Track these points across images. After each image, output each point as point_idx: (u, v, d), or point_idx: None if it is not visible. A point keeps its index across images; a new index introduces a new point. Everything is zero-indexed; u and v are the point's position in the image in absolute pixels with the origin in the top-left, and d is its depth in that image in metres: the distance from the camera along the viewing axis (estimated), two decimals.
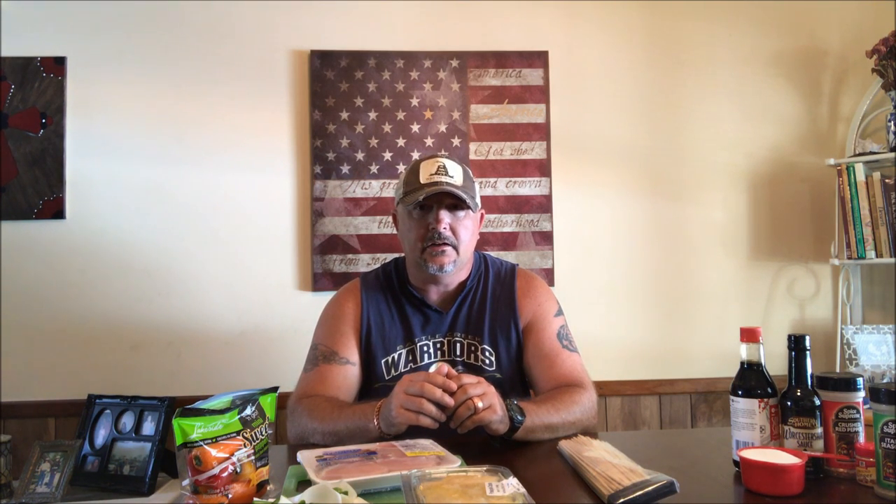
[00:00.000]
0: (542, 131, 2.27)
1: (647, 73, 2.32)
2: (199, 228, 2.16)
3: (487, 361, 1.44)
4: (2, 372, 2.06)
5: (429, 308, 1.47)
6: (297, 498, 0.85)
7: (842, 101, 2.36)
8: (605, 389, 2.19)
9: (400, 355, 1.44)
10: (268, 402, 1.03)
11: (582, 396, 1.35)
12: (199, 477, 0.88)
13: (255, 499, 0.91)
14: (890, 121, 2.10)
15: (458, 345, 1.45)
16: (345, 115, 2.21)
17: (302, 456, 1.06)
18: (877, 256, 2.07)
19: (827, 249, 2.26)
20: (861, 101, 2.26)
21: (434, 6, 2.26)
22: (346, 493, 0.87)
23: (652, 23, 2.33)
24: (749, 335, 1.06)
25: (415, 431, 1.17)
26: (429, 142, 2.24)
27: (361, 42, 2.23)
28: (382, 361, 1.44)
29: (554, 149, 2.27)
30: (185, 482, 0.91)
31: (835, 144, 2.35)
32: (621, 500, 0.87)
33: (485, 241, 2.21)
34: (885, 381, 2.02)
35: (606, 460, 1.01)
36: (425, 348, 1.45)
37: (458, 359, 1.44)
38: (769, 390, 1.04)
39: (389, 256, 2.13)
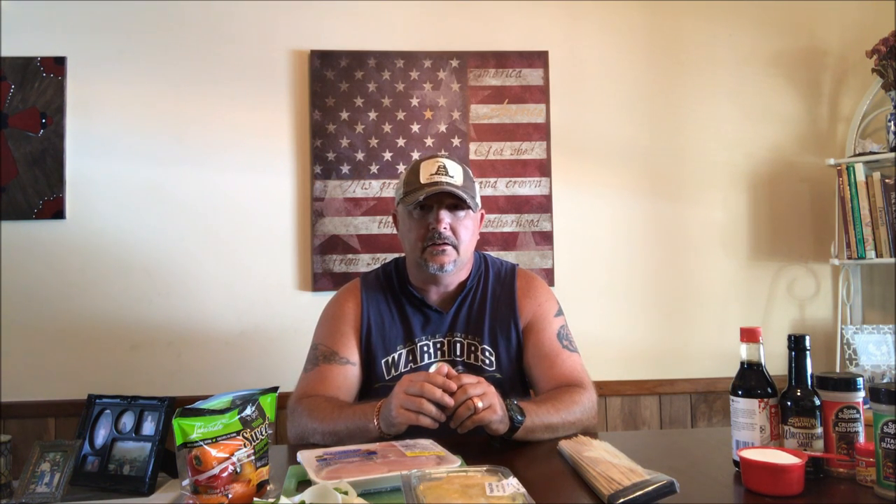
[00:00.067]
0: (542, 131, 2.27)
1: (647, 73, 2.33)
2: (199, 228, 2.16)
3: (487, 361, 1.44)
4: (2, 372, 2.06)
5: (429, 308, 1.47)
6: (297, 498, 0.85)
7: (842, 101, 2.36)
8: (605, 389, 2.19)
9: (400, 355, 1.45)
10: (268, 402, 1.03)
11: (582, 396, 1.35)
12: (199, 477, 0.88)
13: (255, 499, 0.91)
14: (890, 121, 2.10)
15: (458, 345, 1.45)
16: (345, 115, 2.21)
17: (302, 456, 1.06)
18: (877, 256, 2.07)
19: (827, 249, 2.26)
20: (861, 101, 2.26)
21: (434, 6, 2.26)
22: (346, 493, 0.87)
23: (652, 23, 2.33)
24: (749, 335, 1.06)
25: (415, 431, 1.17)
26: (429, 142, 2.24)
27: (361, 42, 2.23)
28: (382, 361, 1.44)
29: (554, 149, 2.27)
30: (185, 482, 0.91)
31: (835, 144, 2.35)
32: (621, 500, 0.87)
33: (485, 241, 2.21)
34: (885, 381, 2.02)
35: (606, 460, 1.01)
36: (425, 348, 1.45)
37: (458, 359, 1.44)
38: (769, 390, 1.04)
39: (389, 256, 2.13)
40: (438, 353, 1.45)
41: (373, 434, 1.21)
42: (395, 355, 1.45)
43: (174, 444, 0.91)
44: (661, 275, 2.30)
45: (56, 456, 1.05)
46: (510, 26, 2.28)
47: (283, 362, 2.06)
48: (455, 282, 1.48)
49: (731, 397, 1.07)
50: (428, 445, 1.10)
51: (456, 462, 1.02)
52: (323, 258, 2.18)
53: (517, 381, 1.46)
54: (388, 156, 2.22)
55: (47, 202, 2.10)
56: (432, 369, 1.20)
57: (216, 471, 0.89)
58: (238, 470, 0.90)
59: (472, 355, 1.44)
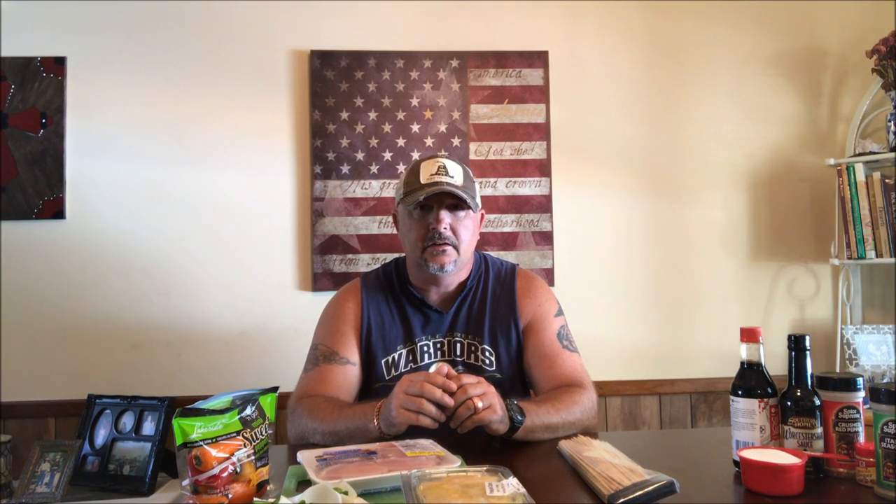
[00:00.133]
0: (542, 131, 2.27)
1: (647, 73, 2.33)
2: (199, 228, 2.16)
3: (487, 361, 1.44)
4: (2, 372, 2.06)
5: (429, 308, 1.47)
6: (297, 498, 0.85)
7: (842, 101, 2.36)
8: (605, 389, 2.19)
9: (400, 355, 1.45)
10: (268, 402, 1.03)
11: (582, 396, 1.35)
12: (199, 477, 0.88)
13: (255, 499, 0.91)
14: (890, 121, 2.10)
15: (459, 345, 1.45)
16: (345, 115, 2.21)
17: (302, 456, 1.06)
18: (877, 256, 2.07)
19: (827, 249, 2.26)
20: (861, 101, 2.26)
21: (434, 6, 2.26)
22: (346, 493, 0.87)
23: (652, 23, 2.33)
24: (749, 335, 1.06)
25: (415, 431, 1.17)
26: (429, 142, 2.24)
27: (361, 42, 2.23)
28: (382, 361, 1.44)
29: (554, 149, 2.27)
30: (185, 482, 0.91)
31: (835, 144, 2.35)
32: (621, 500, 0.87)
33: (485, 241, 2.21)
34: (885, 381, 2.02)
35: (606, 460, 1.01)
36: (425, 348, 1.45)
37: (459, 359, 1.44)
38: (769, 390, 1.04)
39: (389, 256, 2.13)
40: (438, 353, 1.45)
41: (373, 434, 1.21)
42: (395, 355, 1.45)
43: (174, 444, 0.91)
44: (661, 275, 2.30)
45: (56, 456, 1.05)
46: (510, 26, 2.28)
47: (283, 362, 2.06)
48: (455, 282, 1.48)
49: (731, 397, 1.07)
50: (428, 445, 1.10)
51: (456, 462, 1.02)
52: (323, 258, 2.18)
53: (517, 381, 1.46)
54: (388, 156, 2.22)
55: (47, 202, 2.10)
56: (432, 369, 1.20)
57: (216, 471, 0.89)
58: (238, 470, 0.90)
59: (472, 355, 1.44)
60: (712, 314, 2.30)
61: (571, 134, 2.29)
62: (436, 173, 1.40)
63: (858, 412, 1.01)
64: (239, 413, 0.94)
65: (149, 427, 1.09)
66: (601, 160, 2.30)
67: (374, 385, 1.44)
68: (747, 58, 2.35)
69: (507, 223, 2.24)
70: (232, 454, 0.90)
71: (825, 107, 2.37)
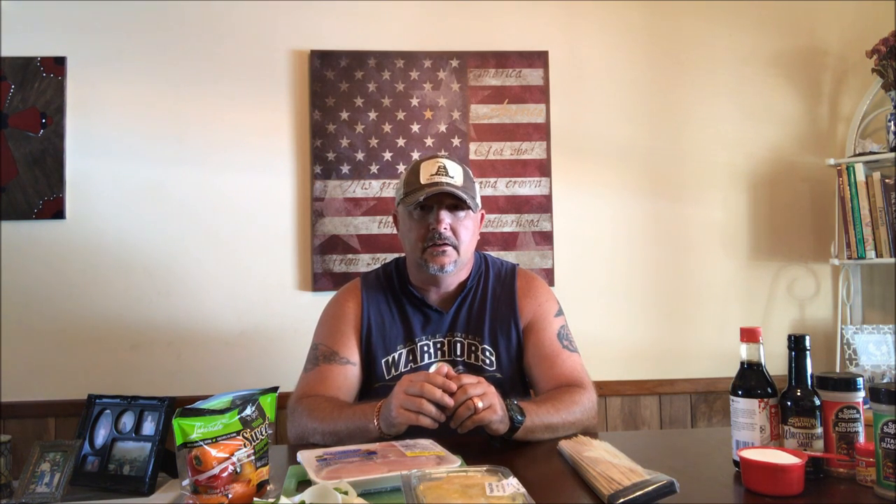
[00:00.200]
0: (542, 131, 2.27)
1: (647, 73, 2.33)
2: (199, 228, 2.16)
3: (488, 361, 1.44)
4: (2, 372, 2.06)
5: (429, 308, 1.47)
6: (297, 498, 0.85)
7: (842, 101, 2.36)
8: (605, 389, 2.19)
9: (400, 355, 1.45)
10: (268, 402, 1.03)
11: (582, 397, 1.35)
12: (199, 477, 0.88)
13: (255, 499, 0.91)
14: (890, 121, 2.10)
15: (459, 345, 1.45)
16: (345, 115, 2.21)
17: (302, 456, 1.06)
18: (877, 256, 2.07)
19: (827, 249, 2.26)
20: (861, 101, 2.26)
21: (434, 6, 2.26)
22: (346, 493, 0.87)
23: (652, 23, 2.33)
24: (749, 335, 1.06)
25: (415, 431, 1.17)
26: (429, 142, 2.24)
27: (361, 42, 2.23)
28: (383, 361, 1.44)
29: (554, 149, 2.27)
30: (185, 482, 0.91)
31: (835, 144, 2.35)
32: (621, 500, 0.87)
33: (485, 241, 2.21)
34: (885, 381, 2.02)
35: (606, 460, 1.01)
36: (425, 348, 1.45)
37: (459, 359, 1.44)
38: (769, 390, 1.04)
39: (389, 256, 2.13)
40: (438, 352, 1.45)
41: (373, 434, 1.21)
42: (396, 355, 1.45)
43: (174, 444, 0.91)
44: (661, 275, 2.30)
45: (56, 456, 1.05)
46: (510, 26, 2.28)
47: (283, 362, 2.06)
48: (455, 282, 1.48)
49: (731, 397, 1.07)
50: (428, 445, 1.10)
51: (456, 462, 1.02)
52: (323, 258, 2.18)
53: (517, 381, 1.46)
54: (388, 156, 2.22)
55: (47, 202, 2.10)
56: (432, 369, 1.20)
57: (216, 471, 0.89)
58: (238, 470, 0.90)
59: (473, 355, 1.44)
60: (712, 314, 2.30)
61: (571, 134, 2.29)
62: (436, 173, 1.40)
63: (858, 412, 1.01)
64: (239, 413, 0.94)
65: (149, 427, 1.09)
66: (601, 160, 2.30)
67: (374, 385, 1.44)
68: (747, 58, 2.35)
69: (507, 223, 2.24)
70: (232, 454, 0.90)
71: (825, 107, 2.37)
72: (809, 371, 1.03)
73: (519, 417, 1.20)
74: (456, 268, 1.42)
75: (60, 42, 2.13)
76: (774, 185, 2.35)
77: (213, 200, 2.17)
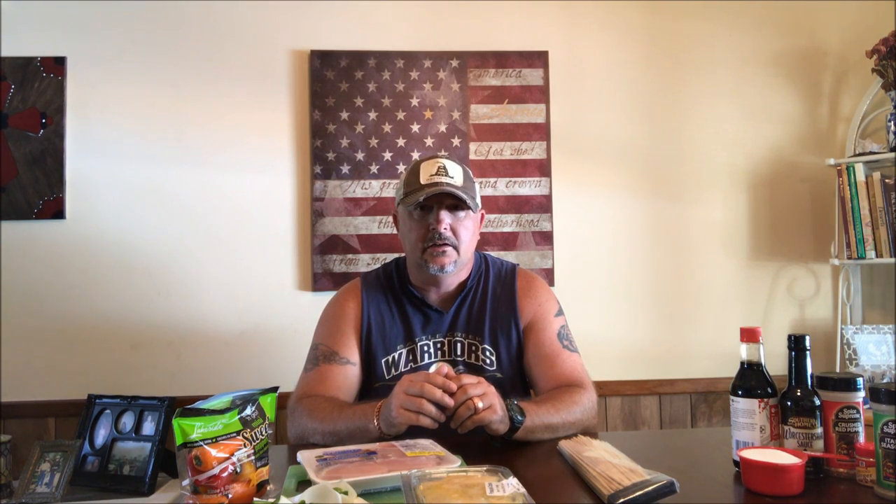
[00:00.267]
0: (542, 131, 2.27)
1: (647, 73, 2.33)
2: (199, 228, 2.16)
3: (488, 361, 1.44)
4: (2, 372, 2.06)
5: (429, 308, 1.47)
6: (297, 498, 0.85)
7: (842, 101, 2.36)
8: (605, 389, 2.19)
9: (400, 355, 1.45)
10: (268, 402, 1.03)
11: (582, 397, 1.35)
12: (199, 477, 0.88)
13: (255, 499, 0.91)
14: (890, 121, 2.10)
15: (459, 344, 1.45)
16: (345, 115, 2.21)
17: (302, 456, 1.06)
18: (877, 256, 2.07)
19: (827, 249, 2.26)
20: (861, 101, 2.26)
21: (434, 6, 2.26)
22: (346, 493, 0.87)
23: (652, 23, 2.33)
24: (749, 335, 1.06)
25: (415, 431, 1.17)
26: (429, 142, 2.24)
27: (361, 42, 2.23)
28: (383, 361, 1.44)
29: (554, 149, 2.27)
30: (185, 482, 0.91)
31: (835, 144, 2.35)
32: (621, 500, 0.87)
33: (485, 241, 2.21)
34: (885, 381, 2.02)
35: (606, 460, 1.01)
36: (426, 348, 1.45)
37: (459, 358, 1.44)
38: (769, 390, 1.04)
39: (389, 256, 2.13)
40: (439, 352, 1.45)
41: (373, 434, 1.21)
42: (396, 355, 1.45)
43: (174, 444, 0.91)
44: (661, 275, 2.30)
45: (56, 456, 1.05)
46: (510, 26, 2.28)
47: (283, 362, 2.06)
48: (455, 282, 1.48)
49: (731, 397, 1.07)
50: (428, 445, 1.10)
51: (456, 462, 1.02)
52: (323, 258, 2.18)
53: (518, 381, 1.46)
54: (388, 156, 2.22)
55: (47, 202, 2.10)
56: (432, 369, 1.21)
57: (216, 471, 0.89)
58: (238, 470, 0.90)
59: (473, 355, 1.44)
60: (712, 314, 2.30)
61: (571, 134, 2.29)
62: (436, 174, 1.40)
63: (858, 412, 1.01)
64: (239, 413, 0.94)
65: (149, 427, 1.09)
66: (601, 160, 2.30)
67: (374, 385, 1.44)
68: (747, 58, 2.35)
69: (507, 223, 2.24)
70: (232, 454, 0.90)
71: (825, 107, 2.37)
72: (809, 371, 1.03)
73: (519, 417, 1.20)
74: (456, 268, 1.42)
75: (60, 42, 2.13)
76: (774, 185, 2.35)
77: (213, 200, 2.17)
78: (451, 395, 1.14)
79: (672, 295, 2.30)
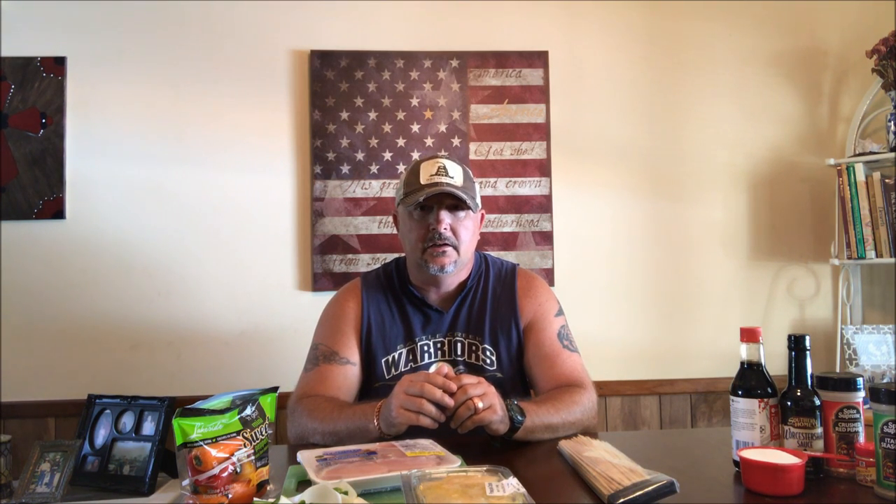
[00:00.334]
0: (542, 131, 2.27)
1: (647, 73, 2.33)
2: (199, 228, 2.16)
3: (488, 361, 1.44)
4: (2, 372, 2.06)
5: (429, 308, 1.47)
6: (297, 498, 0.85)
7: (842, 101, 2.36)
8: (605, 389, 2.19)
9: (400, 355, 1.45)
10: (268, 402, 1.03)
11: (582, 397, 1.35)
12: (199, 477, 0.88)
13: (255, 499, 0.91)
14: (890, 121, 2.10)
15: (459, 344, 1.45)
16: (345, 115, 2.21)
17: (302, 456, 1.06)
18: (877, 256, 2.07)
19: (827, 249, 2.26)
20: (861, 101, 2.26)
21: (434, 6, 2.26)
22: (346, 493, 0.87)
23: (652, 23, 2.33)
24: (749, 335, 1.06)
25: (415, 431, 1.17)
26: (429, 142, 2.24)
27: (361, 42, 2.23)
28: (383, 361, 1.44)
29: (554, 149, 2.27)
30: (185, 482, 0.91)
31: (835, 144, 2.35)
32: (621, 500, 0.87)
33: (485, 241, 2.21)
34: (885, 381, 2.02)
35: (606, 460, 1.01)
36: (426, 348, 1.45)
37: (459, 358, 1.44)
38: (769, 390, 1.04)
39: (389, 256, 2.13)
40: (439, 352, 1.45)
41: (373, 434, 1.21)
42: (396, 355, 1.45)
43: (174, 444, 0.91)
44: (661, 275, 2.30)
45: (56, 456, 1.05)
46: (510, 26, 2.28)
47: (283, 362, 2.06)
48: (455, 282, 1.48)
49: (731, 397, 1.07)
50: (428, 445, 1.10)
51: (456, 462, 1.02)
52: (323, 258, 2.18)
53: (518, 381, 1.46)
54: (388, 156, 2.22)
55: (47, 202, 2.10)
56: (432, 369, 1.21)
57: (216, 471, 0.89)
58: (238, 470, 0.90)
59: (473, 355, 1.44)
60: (712, 314, 2.30)
61: (571, 134, 2.29)
62: (436, 174, 1.40)
63: (858, 412, 1.01)
64: (239, 413, 0.94)
65: (149, 427, 1.09)
66: (601, 160, 2.30)
67: (374, 385, 1.44)
68: (747, 58, 2.35)
69: (507, 223, 2.24)
70: (232, 454, 0.90)
71: (825, 107, 2.37)
72: (809, 371, 1.03)
73: (519, 417, 1.20)
74: (456, 268, 1.42)
75: (60, 42, 2.13)
76: (774, 185, 2.35)
77: (213, 200, 2.17)
78: (452, 395, 1.14)
79: (672, 295, 2.30)
